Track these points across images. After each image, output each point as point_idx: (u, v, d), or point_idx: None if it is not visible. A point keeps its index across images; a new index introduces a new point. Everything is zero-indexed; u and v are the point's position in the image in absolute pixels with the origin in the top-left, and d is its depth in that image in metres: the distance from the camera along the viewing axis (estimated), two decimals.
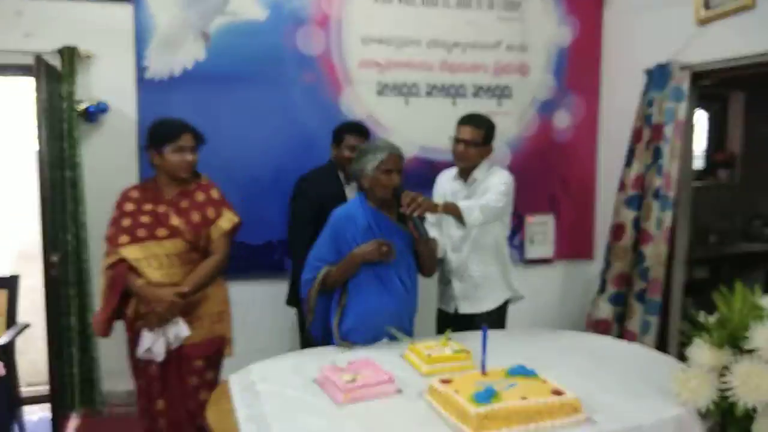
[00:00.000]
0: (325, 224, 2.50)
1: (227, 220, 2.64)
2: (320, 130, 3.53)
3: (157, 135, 2.56)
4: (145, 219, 2.54)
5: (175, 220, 2.55)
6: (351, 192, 3.00)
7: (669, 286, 3.65)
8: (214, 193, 2.67)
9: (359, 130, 3.12)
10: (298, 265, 2.81)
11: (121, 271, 2.48)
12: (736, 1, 3.11)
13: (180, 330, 2.50)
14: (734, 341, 1.71)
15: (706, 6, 3.29)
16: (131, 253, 2.49)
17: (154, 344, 2.49)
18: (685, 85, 3.40)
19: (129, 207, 2.56)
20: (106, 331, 2.56)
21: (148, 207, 2.56)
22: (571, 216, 4.25)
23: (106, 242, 2.56)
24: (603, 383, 1.99)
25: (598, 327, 3.75)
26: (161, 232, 2.53)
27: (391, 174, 2.40)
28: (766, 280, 4.85)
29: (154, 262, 2.51)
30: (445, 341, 2.20)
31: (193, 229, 2.56)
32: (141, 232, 2.52)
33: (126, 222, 2.53)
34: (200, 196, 2.63)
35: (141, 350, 2.50)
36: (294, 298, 3.13)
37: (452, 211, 2.52)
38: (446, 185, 2.97)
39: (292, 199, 3.14)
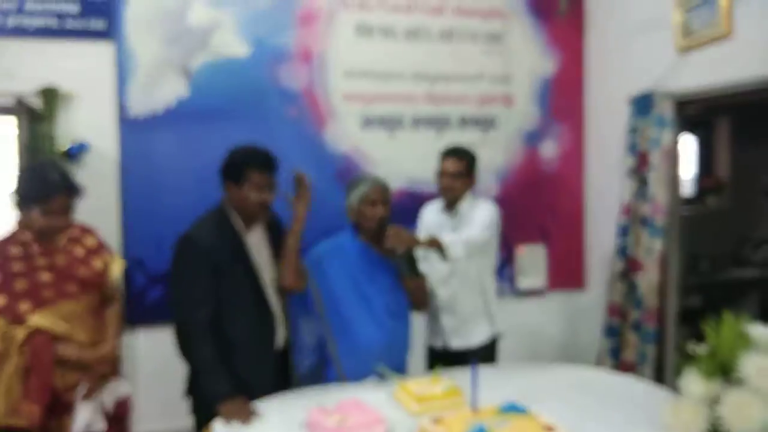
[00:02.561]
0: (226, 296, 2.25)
1: (118, 264, 2.39)
2: (305, 164, 3.46)
3: (22, 194, 2.15)
4: (46, 277, 2.15)
5: (83, 271, 2.24)
6: (254, 239, 2.39)
7: (663, 315, 3.63)
8: (97, 236, 2.38)
9: (266, 163, 2.33)
10: (198, 357, 2.21)
11: (45, 342, 2.08)
12: (714, 29, 3.16)
13: (120, 386, 2.26)
14: (724, 371, 1.71)
15: (685, 34, 3.35)
16: (44, 320, 2.10)
17: (93, 415, 2.18)
18: (668, 113, 3.43)
19: (17, 266, 2.12)
20: (43, 419, 2.09)
21: (42, 262, 2.17)
22: (561, 246, 4.24)
23: None
24: (595, 417, 1.98)
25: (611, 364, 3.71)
26: (71, 287, 2.19)
27: (375, 206, 2.39)
28: (760, 305, 4.84)
29: (74, 321, 2.18)
30: (435, 379, 2.17)
31: (101, 279, 2.28)
32: (47, 293, 2.13)
33: (20, 285, 2.10)
34: (90, 240, 2.34)
35: (80, 428, 2.14)
36: (196, 406, 2.39)
37: (435, 245, 2.49)
38: (431, 218, 2.97)
39: (173, 267, 2.29)
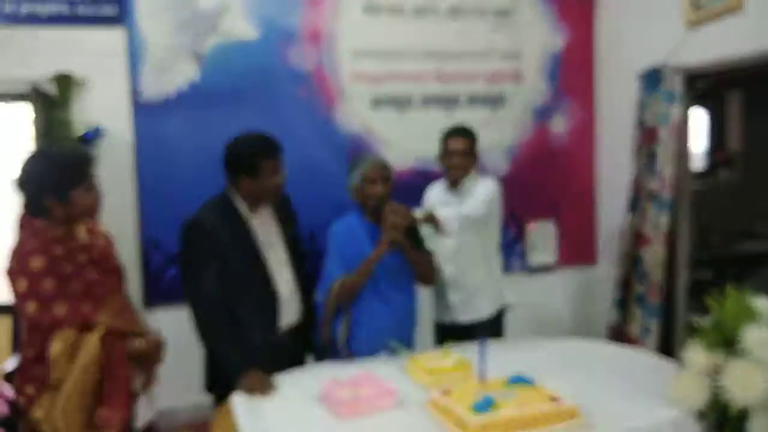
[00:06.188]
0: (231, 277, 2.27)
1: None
2: (316, 145, 3.63)
3: (60, 179, 1.94)
4: (92, 274, 1.99)
5: (113, 261, 2.12)
6: (261, 220, 2.41)
7: (673, 288, 3.66)
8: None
9: (275, 148, 2.34)
10: (214, 335, 2.25)
11: (117, 343, 1.96)
12: (724, 2, 3.15)
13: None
14: (727, 343, 1.73)
15: (695, 8, 3.33)
16: (109, 320, 1.96)
17: (150, 404, 2.17)
18: (678, 87, 3.43)
19: (68, 268, 1.92)
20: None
21: (83, 258, 1.98)
22: (572, 221, 4.27)
23: (50, 325, 1.86)
24: (601, 388, 2.02)
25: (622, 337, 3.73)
26: (113, 280, 2.08)
27: (375, 183, 2.45)
28: None
29: (124, 314, 2.06)
30: (446, 353, 2.22)
31: (120, 264, 2.18)
32: (99, 290, 1.99)
33: (76, 286, 1.93)
34: (99, 225, 2.18)
35: (143, 420, 2.11)
36: (213, 383, 2.44)
37: (431, 220, 2.56)
38: (436, 197, 3.00)
39: (181, 253, 2.34)
